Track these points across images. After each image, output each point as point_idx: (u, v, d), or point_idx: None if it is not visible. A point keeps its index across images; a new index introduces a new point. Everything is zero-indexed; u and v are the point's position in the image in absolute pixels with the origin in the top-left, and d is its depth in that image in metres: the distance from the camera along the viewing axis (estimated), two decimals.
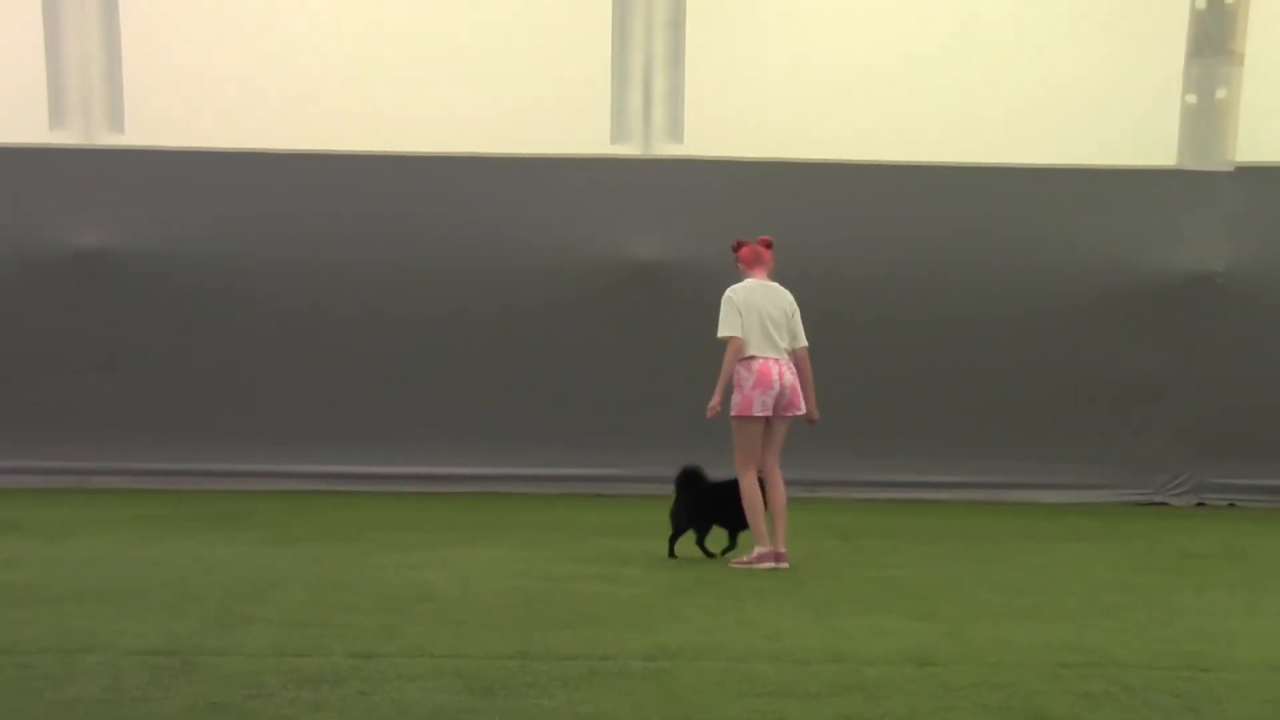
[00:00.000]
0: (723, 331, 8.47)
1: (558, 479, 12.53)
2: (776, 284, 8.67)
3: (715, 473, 8.73)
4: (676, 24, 12.42)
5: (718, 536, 8.75)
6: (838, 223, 12.53)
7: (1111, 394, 12.66)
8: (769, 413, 8.43)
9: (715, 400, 8.45)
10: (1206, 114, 12.50)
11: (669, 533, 8.76)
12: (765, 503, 8.52)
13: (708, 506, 8.65)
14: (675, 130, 12.51)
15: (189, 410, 12.54)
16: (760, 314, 8.50)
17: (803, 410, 8.57)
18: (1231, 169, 12.49)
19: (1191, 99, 12.50)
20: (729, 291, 8.55)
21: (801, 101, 12.41)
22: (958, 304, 12.52)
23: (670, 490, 8.77)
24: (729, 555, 8.62)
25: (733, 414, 8.45)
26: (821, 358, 12.44)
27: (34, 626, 6.35)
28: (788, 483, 12.51)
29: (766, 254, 8.72)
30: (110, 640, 6.08)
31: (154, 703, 5.12)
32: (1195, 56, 12.43)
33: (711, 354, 12.78)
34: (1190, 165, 12.51)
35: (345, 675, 5.55)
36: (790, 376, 8.50)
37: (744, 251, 8.72)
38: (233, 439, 12.50)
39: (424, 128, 12.36)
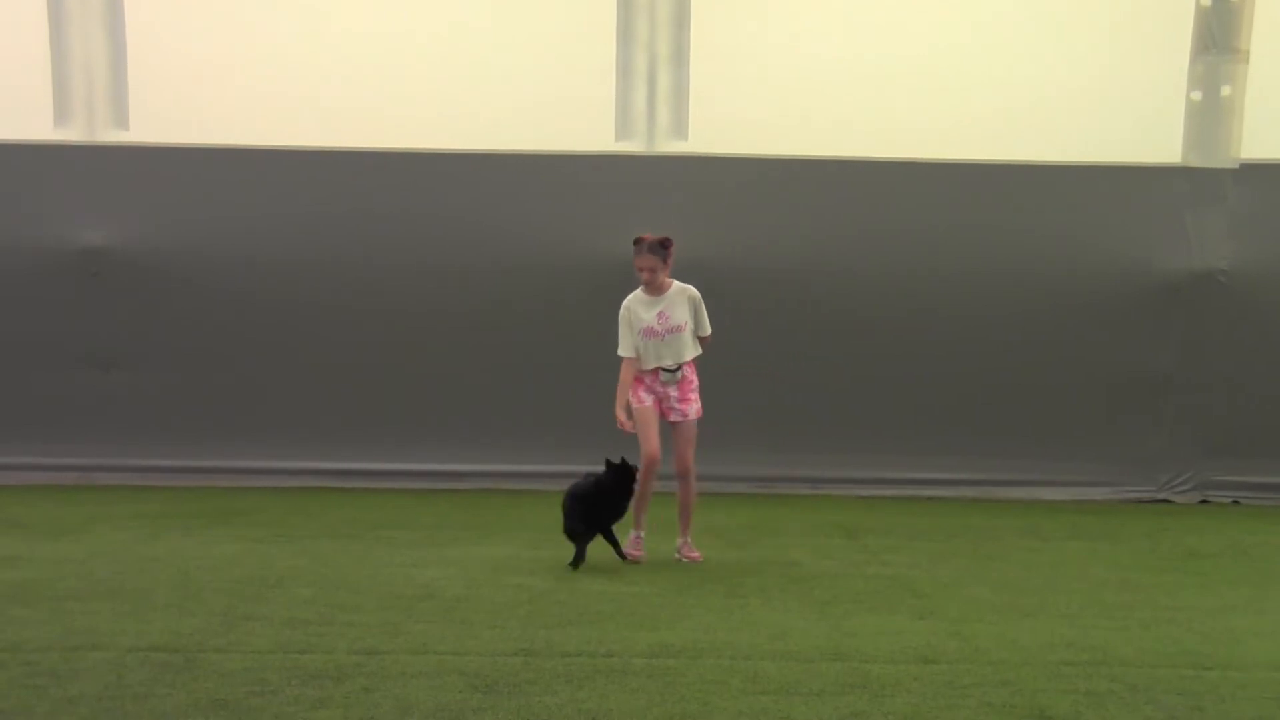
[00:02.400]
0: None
1: (562, 476, 12.48)
2: None
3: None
4: (681, 21, 12.41)
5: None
6: (841, 220, 12.52)
7: (1114, 391, 12.64)
8: None
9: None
10: (1211, 111, 12.48)
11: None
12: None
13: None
14: (679, 127, 12.50)
15: (192, 407, 12.52)
16: None
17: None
18: (1236, 166, 12.46)
19: (1196, 96, 12.47)
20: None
21: (806, 99, 12.39)
22: (961, 300, 12.50)
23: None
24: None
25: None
26: (826, 354, 12.56)
27: (37, 624, 6.36)
28: (795, 480, 12.63)
29: None
30: (113, 637, 6.09)
31: (157, 699, 5.13)
32: (1200, 54, 12.40)
33: (710, 350, 12.85)
34: (1195, 163, 12.48)
35: (348, 672, 5.55)
36: None
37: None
38: (236, 436, 12.49)
39: (429, 125, 12.34)
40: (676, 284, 8.55)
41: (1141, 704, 5.36)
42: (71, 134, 12.40)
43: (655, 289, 8.51)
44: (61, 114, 12.39)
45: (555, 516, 8.39)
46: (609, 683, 5.46)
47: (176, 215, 12.43)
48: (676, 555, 8.63)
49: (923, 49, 12.45)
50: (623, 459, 8.36)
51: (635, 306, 8.55)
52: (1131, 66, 12.38)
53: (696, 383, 8.56)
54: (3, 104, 12.31)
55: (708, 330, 8.58)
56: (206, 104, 12.34)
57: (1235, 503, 12.67)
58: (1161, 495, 12.71)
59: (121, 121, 12.43)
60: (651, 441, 8.46)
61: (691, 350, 8.52)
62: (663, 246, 8.46)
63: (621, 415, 8.54)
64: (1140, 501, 12.62)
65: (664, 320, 8.47)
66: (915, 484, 12.53)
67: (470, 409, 12.59)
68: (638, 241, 8.52)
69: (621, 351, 8.60)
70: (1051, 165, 12.49)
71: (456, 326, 12.52)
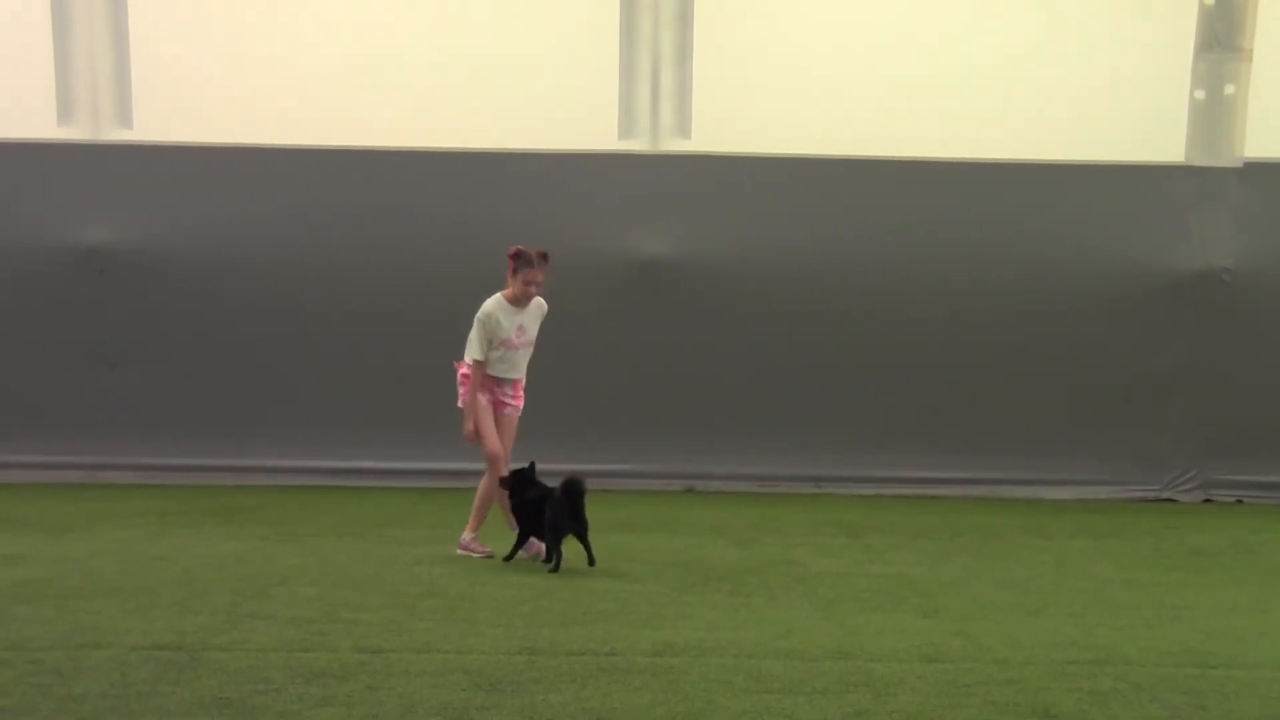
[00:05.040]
0: None
1: (562, 475, 12.50)
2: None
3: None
4: (684, 20, 12.40)
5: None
6: (844, 218, 12.50)
7: (1118, 390, 12.62)
8: None
9: None
10: (1215, 110, 12.46)
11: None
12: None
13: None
14: (683, 126, 12.48)
15: (195, 405, 12.51)
16: None
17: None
18: (1239, 165, 12.45)
19: (1200, 95, 12.46)
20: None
21: (809, 97, 12.37)
22: (965, 299, 12.48)
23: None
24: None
25: None
26: (829, 352, 12.55)
27: (41, 622, 6.36)
28: (798, 479, 12.59)
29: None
30: (117, 636, 6.09)
31: (161, 698, 5.14)
32: (1203, 52, 12.39)
33: (714, 350, 12.81)
34: (1198, 161, 12.47)
35: (352, 670, 5.55)
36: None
37: None
38: (239, 434, 12.47)
39: (432, 124, 12.31)
40: (537, 297, 8.56)
41: (1146, 702, 5.36)
42: (75, 132, 12.39)
43: (525, 301, 8.52)
44: (65, 112, 12.38)
45: None
46: (613, 681, 5.46)
47: (180, 214, 12.42)
48: (462, 550, 8.58)
49: (926, 48, 12.43)
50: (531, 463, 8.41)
51: (499, 315, 8.47)
52: (1135, 65, 12.37)
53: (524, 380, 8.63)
54: (6, 102, 12.30)
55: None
56: (211, 103, 12.32)
57: (1239, 501, 12.66)
58: (1166, 494, 12.70)
59: (125, 120, 12.42)
60: (496, 439, 8.47)
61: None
62: (546, 260, 8.45)
63: (472, 429, 8.45)
64: (1144, 500, 12.61)
65: (522, 334, 8.53)
66: (919, 483, 12.51)
67: None
68: (527, 255, 8.42)
69: (477, 356, 8.44)
70: (1054, 164, 12.47)
71: (459, 326, 12.48)
